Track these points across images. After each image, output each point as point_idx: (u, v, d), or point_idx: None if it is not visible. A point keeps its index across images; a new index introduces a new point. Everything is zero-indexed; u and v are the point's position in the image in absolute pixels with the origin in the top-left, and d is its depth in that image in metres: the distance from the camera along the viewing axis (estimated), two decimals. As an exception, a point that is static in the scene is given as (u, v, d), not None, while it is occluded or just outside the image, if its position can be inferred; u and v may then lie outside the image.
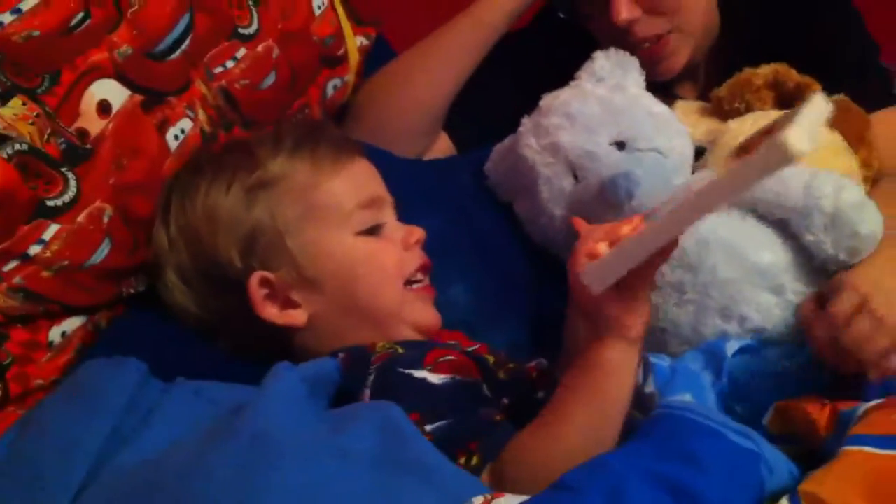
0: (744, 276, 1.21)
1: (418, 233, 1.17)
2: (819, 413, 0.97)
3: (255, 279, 1.11)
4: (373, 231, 1.14)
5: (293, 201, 1.12)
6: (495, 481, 0.94)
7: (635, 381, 1.04)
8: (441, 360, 1.03)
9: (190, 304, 1.15)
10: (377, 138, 1.41)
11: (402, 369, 1.01)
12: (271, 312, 1.11)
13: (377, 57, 1.56)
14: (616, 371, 0.96)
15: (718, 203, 0.89)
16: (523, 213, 1.36)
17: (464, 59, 1.47)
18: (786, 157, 0.80)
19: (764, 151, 0.82)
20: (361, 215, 1.14)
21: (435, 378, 1.01)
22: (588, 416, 0.95)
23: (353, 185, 1.15)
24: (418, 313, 1.14)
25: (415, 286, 1.15)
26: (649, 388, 1.04)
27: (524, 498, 0.87)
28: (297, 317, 1.11)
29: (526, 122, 1.33)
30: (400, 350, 1.05)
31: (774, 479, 0.90)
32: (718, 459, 0.89)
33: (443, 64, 1.47)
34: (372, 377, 1.01)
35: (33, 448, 0.97)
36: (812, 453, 0.97)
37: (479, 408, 1.00)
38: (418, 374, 1.01)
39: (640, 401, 1.02)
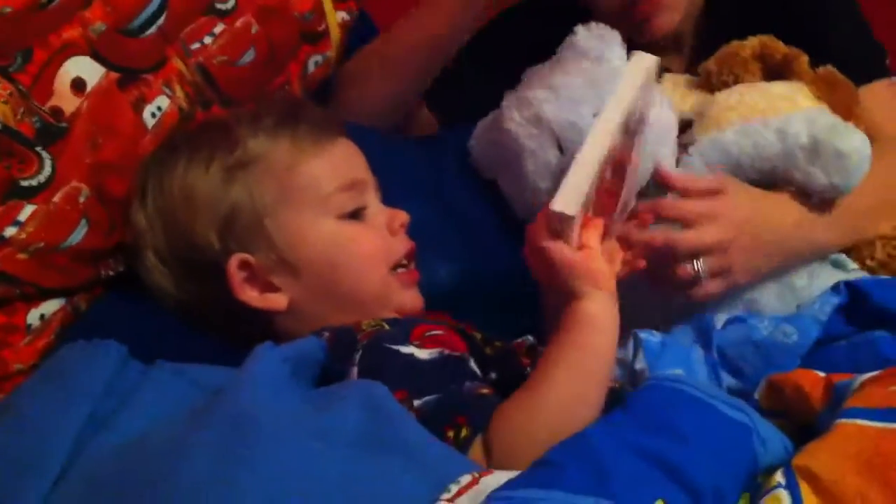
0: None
1: (402, 216, 1.15)
2: (813, 386, 0.95)
3: (234, 262, 1.09)
4: (355, 215, 1.12)
5: (272, 182, 1.10)
6: (486, 453, 0.92)
7: (624, 355, 1.03)
8: (428, 334, 1.02)
9: (169, 286, 1.13)
10: (358, 118, 1.39)
11: (388, 345, 1.00)
12: (251, 296, 1.09)
13: (360, 33, 1.54)
14: (597, 324, 0.96)
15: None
16: (508, 189, 1.34)
17: (422, 54, 1.44)
18: None
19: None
20: (342, 198, 1.11)
21: (422, 353, 1.00)
22: (570, 377, 0.94)
23: (334, 166, 1.13)
24: (402, 298, 1.13)
25: (399, 271, 1.13)
26: (640, 363, 1.03)
27: (512, 474, 0.85)
28: (277, 301, 1.10)
29: (508, 97, 1.31)
30: (386, 326, 1.03)
31: (768, 452, 0.89)
32: (707, 432, 0.87)
33: (403, 56, 1.44)
34: (359, 354, 0.99)
35: (10, 435, 0.95)
36: (805, 428, 0.96)
37: (466, 381, 0.98)
38: (405, 349, 0.99)
39: (631, 377, 1.01)
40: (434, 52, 1.43)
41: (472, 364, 1.01)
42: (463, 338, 1.04)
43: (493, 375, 1.03)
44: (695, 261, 1.15)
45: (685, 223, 1.16)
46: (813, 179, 1.20)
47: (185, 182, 1.11)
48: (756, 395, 1.02)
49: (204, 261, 1.10)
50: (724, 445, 0.87)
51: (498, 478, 0.85)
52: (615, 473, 0.81)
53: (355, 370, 0.98)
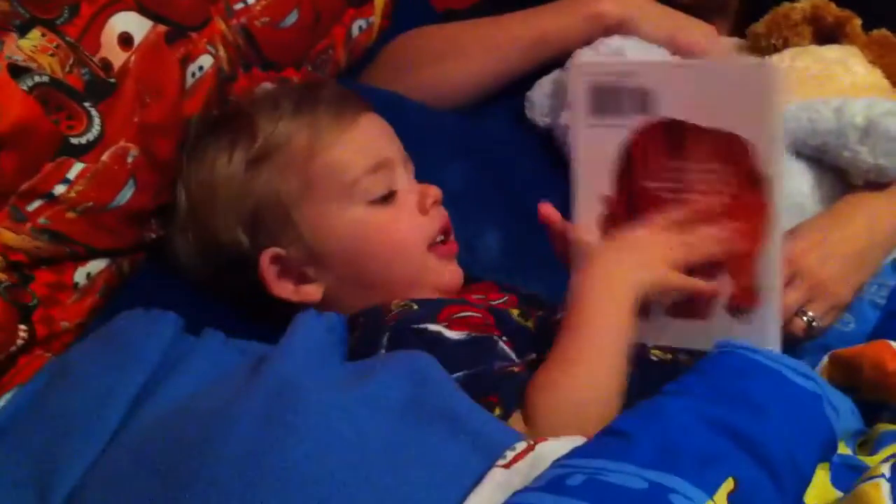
0: (786, 211, 1.18)
1: (434, 192, 1.12)
2: None
3: (266, 257, 1.07)
4: (386, 199, 1.09)
5: (294, 173, 1.08)
6: (528, 427, 0.91)
7: None
8: (456, 316, 1.01)
9: (204, 277, 1.12)
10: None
11: (415, 325, 0.98)
12: (286, 289, 1.08)
13: (414, 10, 1.52)
14: (593, 299, 0.97)
15: None
16: (566, 126, 1.31)
17: (525, 44, 1.41)
18: None
19: None
20: (370, 182, 1.08)
21: (450, 333, 0.98)
22: (594, 350, 0.95)
23: (357, 149, 1.09)
24: (441, 275, 1.10)
25: (437, 247, 1.11)
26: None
27: (568, 441, 0.84)
28: (313, 292, 1.08)
29: (580, 51, 1.32)
30: (415, 307, 1.02)
31: (841, 420, 0.87)
32: (781, 402, 0.86)
33: (504, 47, 1.41)
34: (386, 336, 0.98)
35: (65, 396, 0.95)
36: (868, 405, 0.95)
37: (495, 361, 0.97)
38: (433, 327, 0.98)
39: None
40: (536, 47, 1.40)
41: (502, 345, 0.99)
42: (497, 318, 1.02)
43: (533, 355, 1.01)
44: (801, 314, 1.14)
45: None
46: (860, 158, 1.18)
47: (209, 178, 1.10)
48: (818, 371, 1.00)
49: (235, 256, 1.08)
50: (799, 415, 0.86)
51: (554, 445, 0.84)
52: (686, 449, 0.79)
53: (383, 352, 0.97)
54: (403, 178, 1.12)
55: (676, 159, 0.98)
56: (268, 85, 1.24)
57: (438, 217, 1.12)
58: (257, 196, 1.07)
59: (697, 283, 0.99)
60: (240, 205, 1.08)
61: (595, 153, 0.99)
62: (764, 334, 0.98)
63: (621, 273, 0.97)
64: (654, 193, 0.99)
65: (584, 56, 1.31)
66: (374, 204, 1.08)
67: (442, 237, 1.12)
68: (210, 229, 1.09)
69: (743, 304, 0.99)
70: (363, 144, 1.10)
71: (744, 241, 0.98)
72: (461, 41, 1.42)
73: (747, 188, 0.97)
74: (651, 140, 0.98)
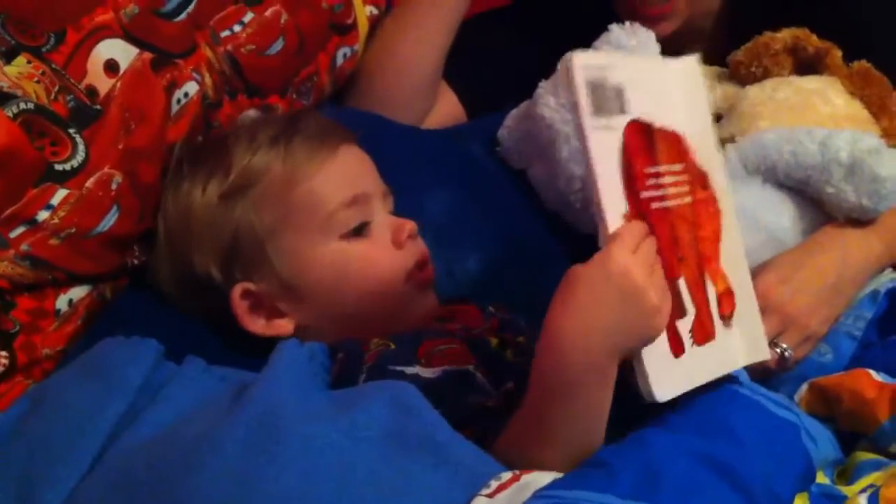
0: (763, 244, 1.20)
1: (408, 227, 1.11)
2: (878, 394, 0.94)
3: (236, 292, 1.07)
4: (359, 231, 1.08)
5: (269, 206, 1.07)
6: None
7: None
8: (434, 350, 1.00)
9: (181, 303, 1.11)
10: (381, 104, 1.39)
11: (393, 367, 0.97)
12: (257, 325, 1.08)
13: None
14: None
15: None
16: (539, 178, 1.34)
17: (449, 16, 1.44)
18: None
19: None
20: (344, 216, 1.08)
21: (427, 372, 0.97)
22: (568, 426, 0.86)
23: (334, 182, 1.09)
24: (417, 306, 1.10)
25: (415, 276, 1.10)
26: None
27: (555, 474, 0.84)
28: (284, 326, 1.07)
29: (544, 84, 1.31)
30: (392, 346, 1.00)
31: (820, 449, 0.88)
32: (759, 432, 0.87)
33: (431, 20, 1.44)
34: (363, 377, 0.97)
35: (46, 423, 0.94)
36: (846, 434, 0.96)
37: (469, 395, 0.96)
38: (410, 370, 0.97)
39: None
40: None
41: (479, 377, 0.98)
42: (474, 349, 1.02)
43: (511, 385, 0.99)
44: (774, 346, 1.14)
45: None
46: (843, 197, 1.19)
47: (184, 210, 1.09)
48: (796, 399, 1.01)
49: (209, 289, 1.08)
50: (777, 445, 0.86)
51: (539, 476, 0.84)
52: (667, 480, 0.80)
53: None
54: (380, 212, 1.11)
55: (653, 164, 0.89)
56: (252, 112, 1.25)
57: (414, 249, 1.11)
58: (231, 229, 1.07)
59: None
60: (214, 238, 1.08)
61: (606, 159, 0.86)
62: (753, 332, 0.95)
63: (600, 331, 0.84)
64: (646, 204, 0.88)
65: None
66: (348, 237, 1.08)
67: (419, 269, 1.11)
68: (185, 262, 1.09)
69: (726, 309, 0.93)
70: (340, 177, 1.09)
71: (711, 244, 0.93)
72: (405, 21, 1.44)
73: (699, 187, 0.93)
74: (633, 144, 0.88)
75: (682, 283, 0.89)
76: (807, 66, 1.34)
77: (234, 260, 1.07)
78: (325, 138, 1.10)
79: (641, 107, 0.88)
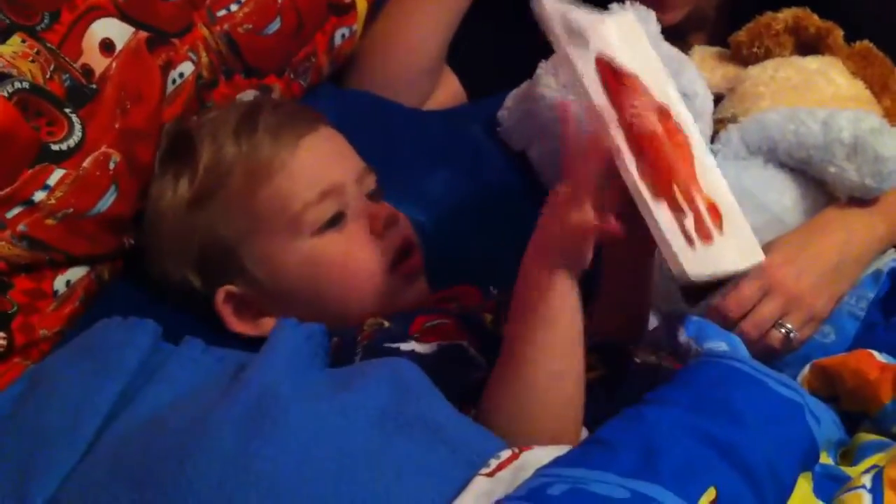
0: (766, 225, 1.19)
1: (383, 213, 1.07)
2: (880, 375, 0.93)
3: (219, 296, 1.06)
4: (334, 222, 1.05)
5: (236, 212, 1.05)
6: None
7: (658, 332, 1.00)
8: (427, 325, 0.99)
9: (171, 301, 1.10)
10: (384, 86, 1.38)
11: (388, 344, 0.97)
12: (243, 327, 1.07)
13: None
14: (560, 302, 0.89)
15: None
16: (539, 159, 1.33)
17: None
18: None
19: None
20: (315, 211, 1.05)
21: (422, 347, 0.97)
22: (546, 357, 0.89)
23: (299, 180, 1.05)
24: (406, 296, 1.07)
25: (400, 266, 1.07)
26: (682, 336, 1.01)
27: (554, 449, 0.84)
28: (271, 325, 1.03)
29: (544, 65, 1.31)
30: (386, 324, 0.99)
31: (823, 429, 0.87)
32: (762, 411, 0.86)
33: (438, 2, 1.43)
34: (359, 357, 0.96)
35: (43, 405, 0.94)
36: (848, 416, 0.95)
37: (466, 369, 0.95)
38: (405, 346, 0.96)
39: (675, 351, 0.99)
40: None
41: (472, 351, 0.98)
42: (467, 325, 1.01)
43: None
44: (779, 326, 1.14)
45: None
46: (846, 176, 1.19)
47: (155, 215, 1.09)
48: (799, 380, 1.00)
49: (190, 293, 1.08)
50: (780, 424, 0.86)
51: (539, 453, 0.83)
52: (668, 458, 0.79)
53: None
54: (356, 198, 1.07)
55: (626, 95, 0.94)
56: (250, 93, 1.24)
57: (394, 236, 1.08)
58: (201, 236, 1.06)
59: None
60: (185, 245, 1.07)
61: (594, 83, 0.92)
62: (745, 239, 0.96)
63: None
64: (629, 127, 0.93)
65: None
66: (322, 232, 1.05)
67: (404, 253, 1.08)
68: (161, 269, 1.09)
69: (715, 219, 0.94)
70: (305, 172, 1.06)
71: (688, 167, 0.94)
72: (411, 3, 1.43)
73: (663, 118, 0.94)
74: (606, 74, 0.93)
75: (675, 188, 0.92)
76: (808, 46, 1.34)
77: (209, 265, 1.07)
78: (288, 130, 1.07)
79: (600, 47, 0.94)
